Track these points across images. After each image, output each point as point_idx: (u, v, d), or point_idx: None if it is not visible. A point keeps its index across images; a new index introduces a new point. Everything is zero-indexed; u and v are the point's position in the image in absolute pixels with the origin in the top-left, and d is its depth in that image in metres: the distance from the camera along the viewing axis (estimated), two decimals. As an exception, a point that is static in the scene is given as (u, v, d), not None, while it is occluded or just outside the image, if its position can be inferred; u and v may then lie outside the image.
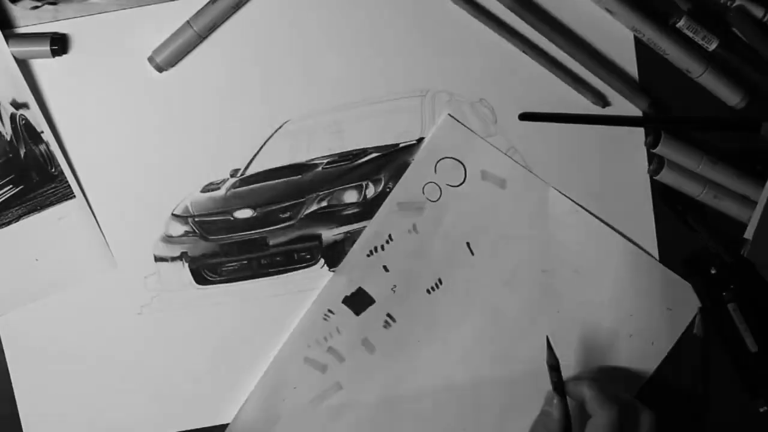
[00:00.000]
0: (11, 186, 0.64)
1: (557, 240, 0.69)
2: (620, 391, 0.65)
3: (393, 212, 0.68)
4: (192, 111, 0.66)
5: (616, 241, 0.69)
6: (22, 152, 0.63)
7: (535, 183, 0.68)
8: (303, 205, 0.67)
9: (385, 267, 0.68)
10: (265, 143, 0.67)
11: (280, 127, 0.67)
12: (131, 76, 0.65)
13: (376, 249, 0.68)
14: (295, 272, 0.68)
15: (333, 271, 0.68)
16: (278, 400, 0.68)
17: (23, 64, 0.63)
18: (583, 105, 0.67)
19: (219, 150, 0.67)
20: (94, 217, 0.66)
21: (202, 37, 0.64)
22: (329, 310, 0.68)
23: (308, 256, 0.68)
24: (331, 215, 0.68)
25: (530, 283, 0.69)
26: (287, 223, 0.67)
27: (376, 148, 0.67)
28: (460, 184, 0.68)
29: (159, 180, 0.67)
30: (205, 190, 0.67)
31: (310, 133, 0.67)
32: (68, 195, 0.64)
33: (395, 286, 0.68)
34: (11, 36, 0.62)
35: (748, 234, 0.65)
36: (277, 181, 0.67)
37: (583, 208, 0.68)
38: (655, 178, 0.67)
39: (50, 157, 0.64)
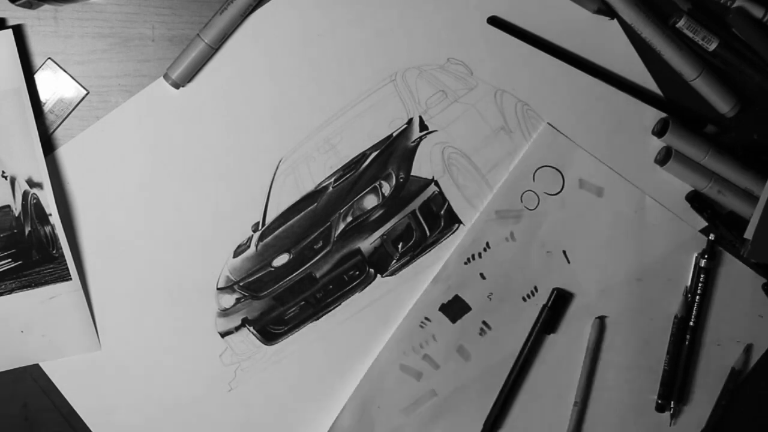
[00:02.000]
0: (10, 260, 0.64)
1: (652, 248, 0.70)
2: None
3: (491, 220, 0.68)
4: (195, 184, 0.66)
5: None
6: (27, 230, 0.63)
7: (631, 191, 0.69)
8: (331, 229, 0.68)
9: (481, 275, 0.69)
10: (270, 188, 0.67)
11: (277, 169, 0.66)
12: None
13: (473, 257, 0.68)
14: (352, 292, 0.69)
15: (386, 277, 0.69)
16: (373, 407, 0.69)
17: (48, 143, 0.63)
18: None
19: (233, 212, 0.67)
20: (89, 300, 0.66)
21: (214, 48, 0.64)
22: (426, 318, 0.69)
23: (357, 273, 0.68)
24: (361, 226, 0.68)
25: (625, 291, 0.70)
26: (324, 251, 0.68)
27: (372, 147, 0.67)
28: (558, 192, 0.68)
29: (192, 258, 0.67)
30: (236, 254, 0.67)
31: (307, 160, 0.67)
32: (65, 277, 0.64)
33: (491, 293, 0.69)
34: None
35: (748, 234, 0.66)
36: (297, 217, 0.67)
37: (679, 217, 0.69)
38: (662, 168, 0.68)
39: (53, 239, 0.64)
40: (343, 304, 0.69)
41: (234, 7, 0.63)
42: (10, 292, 0.64)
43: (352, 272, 0.68)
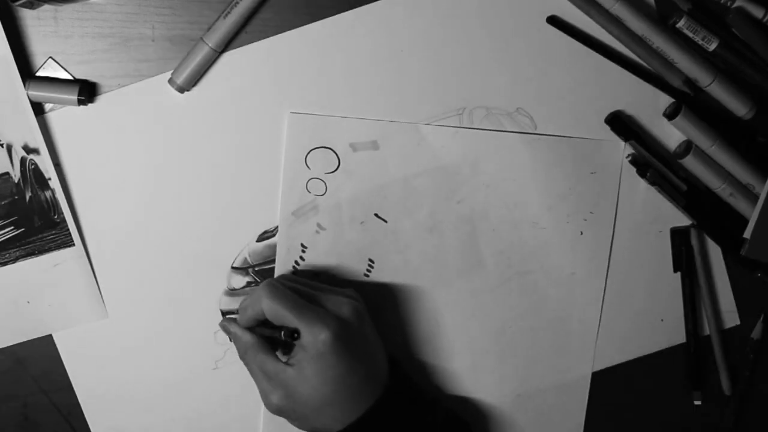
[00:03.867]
0: (12, 227, 0.64)
1: (453, 167, 0.68)
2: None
3: (292, 223, 0.67)
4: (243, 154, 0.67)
5: (508, 140, 0.68)
6: (27, 196, 0.63)
7: (405, 128, 0.67)
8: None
9: (315, 274, 0.68)
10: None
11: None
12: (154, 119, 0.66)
13: (297, 262, 0.68)
14: None
15: None
16: None
17: (39, 107, 0.63)
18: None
19: (267, 198, 0.67)
20: (91, 266, 0.66)
21: (218, 52, 0.64)
22: None
23: None
24: None
25: (454, 219, 0.69)
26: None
27: None
28: (337, 167, 0.67)
29: (215, 234, 0.67)
30: (261, 239, 0.67)
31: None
32: (68, 243, 0.65)
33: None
34: (35, 79, 0.62)
35: (747, 233, 0.66)
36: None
37: (460, 127, 0.67)
38: (679, 161, 0.68)
39: (54, 204, 0.64)
40: None
41: (238, 10, 0.63)
42: (15, 260, 0.64)
43: None
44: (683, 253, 0.70)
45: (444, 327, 0.70)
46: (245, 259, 0.67)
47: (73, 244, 0.65)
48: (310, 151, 0.66)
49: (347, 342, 0.60)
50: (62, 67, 0.64)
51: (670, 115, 0.67)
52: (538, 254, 0.70)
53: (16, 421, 0.68)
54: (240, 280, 0.68)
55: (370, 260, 0.68)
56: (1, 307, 0.65)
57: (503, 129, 0.67)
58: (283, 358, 0.62)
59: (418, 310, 0.70)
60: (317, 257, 0.68)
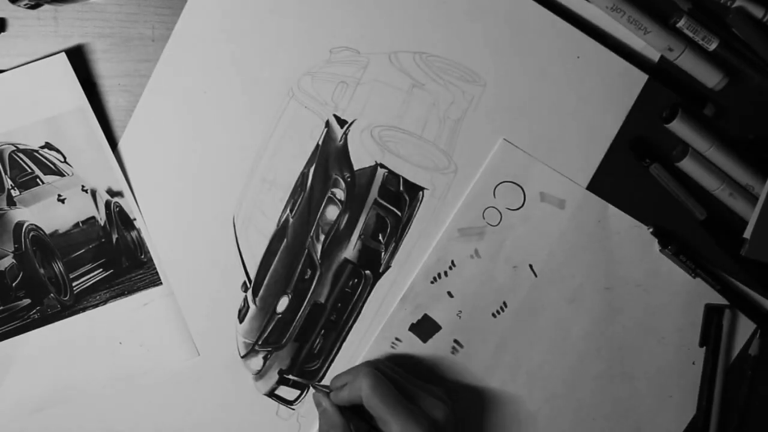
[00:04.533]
0: (101, 270, 0.65)
1: (618, 257, 0.69)
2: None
3: (454, 238, 0.68)
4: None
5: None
6: (114, 238, 0.64)
7: (593, 201, 0.68)
8: (311, 254, 0.67)
9: (449, 293, 0.69)
10: (239, 247, 0.66)
11: (235, 227, 0.66)
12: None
13: (439, 275, 0.68)
14: (360, 299, 0.69)
15: (382, 273, 0.68)
16: None
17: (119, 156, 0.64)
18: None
19: (218, 282, 0.67)
20: (179, 305, 0.66)
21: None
22: (396, 338, 0.69)
23: (355, 281, 0.68)
24: (336, 238, 0.67)
25: (595, 301, 0.70)
26: (316, 277, 0.68)
27: (307, 164, 0.66)
28: (520, 207, 0.68)
29: (204, 339, 0.67)
30: (241, 318, 0.67)
31: (257, 205, 0.66)
32: (155, 282, 0.65)
33: (461, 311, 0.69)
34: None
35: (747, 233, 0.66)
36: (276, 259, 0.67)
37: (644, 223, 0.69)
38: (676, 164, 0.68)
39: (141, 244, 0.65)
40: (362, 313, 0.69)
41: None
42: (105, 302, 0.65)
43: (350, 282, 0.68)
44: (712, 331, 0.71)
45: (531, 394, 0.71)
46: (245, 342, 0.68)
47: (161, 283, 0.65)
48: (503, 182, 0.67)
49: None
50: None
51: (667, 118, 0.67)
52: (647, 364, 0.71)
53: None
54: (257, 362, 0.68)
55: (504, 303, 0.69)
56: (96, 349, 0.65)
57: (338, 78, 0.66)
58: None
59: (521, 369, 0.70)
60: (460, 279, 0.68)
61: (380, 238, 0.68)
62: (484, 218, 0.68)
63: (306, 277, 0.67)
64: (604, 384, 0.71)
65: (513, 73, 0.67)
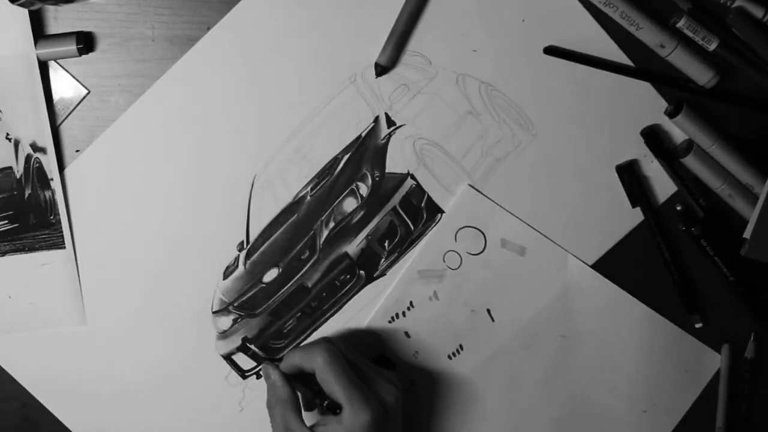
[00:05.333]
0: (6, 221, 0.64)
1: (576, 306, 0.69)
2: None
3: (414, 280, 0.68)
4: (173, 211, 0.67)
5: (634, 307, 0.70)
6: (27, 192, 0.64)
7: (554, 250, 0.69)
8: (315, 237, 0.67)
9: (406, 333, 0.69)
10: (249, 206, 0.67)
11: (252, 186, 0.66)
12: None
13: (397, 315, 0.69)
14: (346, 297, 0.69)
15: (376, 278, 0.68)
16: None
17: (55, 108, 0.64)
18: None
19: (216, 234, 0.67)
20: (77, 271, 0.66)
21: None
22: None
23: (348, 276, 0.68)
24: (345, 230, 0.68)
25: (550, 349, 0.70)
26: (312, 260, 0.68)
27: (343, 151, 0.67)
28: (480, 252, 0.68)
29: (184, 285, 0.67)
30: (226, 275, 0.67)
31: (280, 173, 0.66)
32: (59, 244, 0.65)
33: (417, 352, 0.69)
34: (38, 39, 0.62)
35: (747, 233, 0.66)
36: (280, 230, 0.67)
37: (601, 275, 0.69)
38: (680, 160, 0.67)
39: (53, 205, 0.64)
40: (343, 308, 0.69)
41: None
42: (3, 254, 0.65)
43: (342, 277, 0.68)
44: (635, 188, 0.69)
45: None
46: (221, 299, 0.68)
47: (64, 247, 0.65)
48: (466, 227, 0.67)
49: (381, 429, 0.60)
50: (62, 67, 0.64)
51: (672, 113, 0.67)
52: (599, 412, 0.71)
53: (16, 421, 0.68)
54: (225, 321, 0.68)
55: (461, 345, 0.69)
56: (-18, 297, 0.65)
57: (403, 80, 0.66)
58: (307, 418, 0.62)
59: (473, 412, 0.71)
60: (417, 320, 0.69)
61: (386, 244, 0.68)
62: (444, 261, 0.68)
63: (302, 257, 0.68)
64: (555, 431, 0.71)
65: (565, 134, 0.68)
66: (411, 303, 0.68)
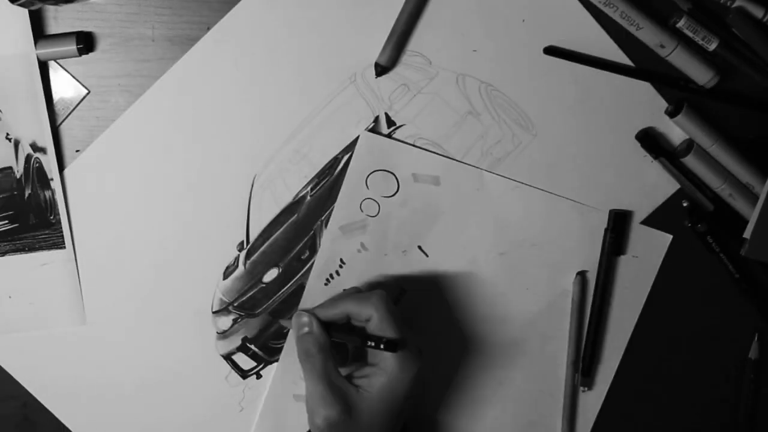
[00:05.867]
0: (7, 221, 0.64)
1: (505, 220, 0.68)
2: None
3: (337, 237, 0.67)
4: (173, 212, 0.66)
5: (562, 205, 0.68)
6: (27, 192, 0.64)
7: (468, 171, 0.67)
8: (315, 237, 0.67)
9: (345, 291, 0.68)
10: (249, 206, 0.67)
11: (252, 186, 0.66)
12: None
13: (331, 276, 0.68)
14: None
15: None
16: None
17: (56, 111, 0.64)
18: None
19: (216, 234, 0.67)
20: (77, 271, 0.66)
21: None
22: None
23: None
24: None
25: (493, 269, 0.69)
26: (312, 260, 0.68)
27: (344, 151, 0.67)
28: (395, 193, 0.67)
29: (184, 285, 0.67)
30: (226, 275, 0.67)
31: (281, 173, 0.66)
32: (59, 244, 0.65)
33: None
34: (38, 39, 0.62)
35: (747, 233, 0.66)
36: (280, 230, 0.67)
37: (521, 182, 0.68)
38: (680, 160, 0.68)
39: (52, 205, 0.64)
40: None
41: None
42: (3, 254, 0.65)
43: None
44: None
45: (453, 375, 0.70)
46: (221, 299, 0.68)
47: (64, 247, 0.65)
48: (373, 172, 0.67)
49: (416, 385, 0.60)
50: (62, 67, 0.64)
51: (672, 112, 0.67)
52: (562, 321, 0.70)
53: (16, 421, 0.68)
54: (225, 321, 0.68)
55: (402, 289, 0.69)
56: (-18, 297, 0.65)
57: (403, 79, 0.66)
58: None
59: (433, 349, 0.69)
60: (352, 275, 0.68)
61: None
62: (362, 211, 0.67)
63: (302, 257, 0.68)
64: (517, 349, 0.70)
65: (566, 134, 0.68)
66: (341, 260, 0.68)
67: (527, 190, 0.68)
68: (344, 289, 0.67)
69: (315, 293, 0.68)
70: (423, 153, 0.67)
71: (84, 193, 0.65)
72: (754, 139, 0.69)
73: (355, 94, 0.66)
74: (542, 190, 0.68)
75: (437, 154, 0.67)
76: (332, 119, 0.66)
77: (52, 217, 0.64)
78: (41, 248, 0.65)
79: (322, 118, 0.66)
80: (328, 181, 0.67)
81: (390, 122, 0.67)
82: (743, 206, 0.68)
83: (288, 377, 0.68)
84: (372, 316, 0.60)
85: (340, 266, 0.68)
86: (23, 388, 0.67)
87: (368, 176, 0.67)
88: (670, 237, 0.70)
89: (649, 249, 0.70)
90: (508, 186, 0.68)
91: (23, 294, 0.65)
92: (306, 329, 0.61)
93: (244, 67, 0.65)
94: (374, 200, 0.67)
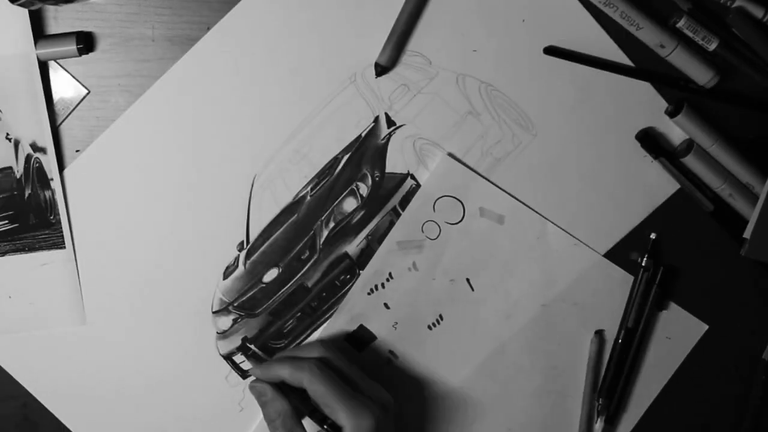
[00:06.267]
0: (7, 221, 0.64)
1: (556, 274, 0.69)
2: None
3: (392, 251, 0.68)
4: (173, 212, 0.66)
5: (614, 273, 0.70)
6: (27, 193, 0.64)
7: (533, 218, 0.68)
8: (315, 237, 0.67)
9: (386, 304, 0.69)
10: (249, 206, 0.67)
11: (252, 186, 0.66)
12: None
13: (376, 287, 0.68)
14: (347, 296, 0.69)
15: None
16: None
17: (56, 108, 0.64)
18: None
19: (216, 234, 0.67)
20: (77, 271, 0.66)
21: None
22: None
23: (348, 276, 0.68)
24: (345, 230, 0.68)
25: (531, 317, 0.70)
26: (312, 260, 0.68)
27: (343, 151, 0.67)
28: (459, 221, 0.68)
29: (184, 285, 0.67)
30: (226, 275, 0.67)
31: (280, 173, 0.66)
32: (59, 244, 0.65)
33: (396, 323, 0.69)
34: (38, 39, 0.62)
35: (747, 233, 0.66)
36: (280, 230, 0.67)
37: (582, 242, 0.69)
38: (680, 160, 0.68)
39: (52, 205, 0.64)
40: (342, 307, 0.68)
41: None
42: (3, 254, 0.65)
43: (342, 277, 0.68)
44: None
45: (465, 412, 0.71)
46: (221, 299, 0.68)
47: (64, 247, 0.65)
48: (444, 196, 0.67)
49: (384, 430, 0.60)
50: (62, 67, 0.64)
51: (672, 112, 0.67)
52: (580, 383, 0.71)
53: (16, 421, 0.68)
54: (225, 321, 0.68)
55: (440, 316, 0.69)
56: (-18, 297, 0.65)
57: (403, 80, 0.66)
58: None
59: (454, 383, 0.70)
60: (397, 291, 0.68)
61: None
62: (423, 232, 0.68)
63: (303, 257, 0.68)
64: (537, 402, 0.71)
65: (566, 134, 0.68)
66: (390, 274, 0.68)
67: (586, 250, 0.69)
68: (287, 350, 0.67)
69: (356, 300, 0.68)
70: (495, 190, 0.68)
71: (84, 193, 0.65)
72: (754, 139, 0.69)
73: (355, 94, 0.66)
74: (599, 253, 0.69)
75: (509, 194, 0.68)
76: (332, 119, 0.66)
77: (52, 217, 0.64)
78: (41, 248, 0.65)
79: (322, 117, 0.66)
80: (328, 181, 0.67)
81: (390, 122, 0.67)
82: (743, 206, 0.68)
83: None
84: (305, 386, 0.60)
85: (387, 280, 0.68)
86: (23, 388, 0.67)
87: (437, 200, 0.67)
88: (706, 327, 0.71)
89: (682, 333, 0.71)
90: (569, 242, 0.69)
91: (23, 294, 0.65)
92: (263, 398, 0.63)
93: (244, 66, 0.65)
94: (437, 223, 0.68)
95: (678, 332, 0.71)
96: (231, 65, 0.65)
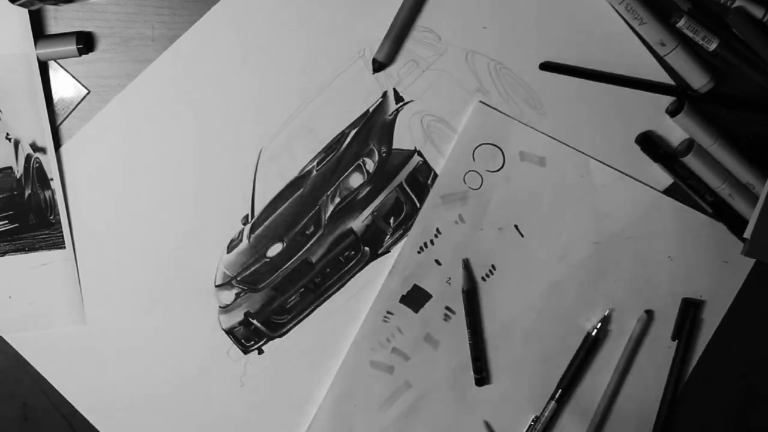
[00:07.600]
0: (7, 221, 0.64)
1: (605, 210, 0.68)
2: None
3: (437, 206, 0.67)
4: (179, 183, 0.66)
5: (664, 203, 0.68)
6: (27, 193, 0.64)
7: (574, 156, 0.67)
8: (320, 212, 0.67)
9: (437, 261, 0.68)
10: (255, 179, 0.66)
11: (258, 159, 0.66)
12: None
13: (425, 245, 0.68)
14: (350, 273, 0.68)
15: (380, 255, 0.68)
16: (350, 407, 0.69)
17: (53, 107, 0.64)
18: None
19: (221, 207, 0.67)
20: (77, 271, 0.66)
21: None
22: (388, 312, 0.68)
23: (353, 252, 0.68)
24: (350, 206, 0.67)
25: (585, 257, 0.69)
26: (317, 236, 0.68)
27: (351, 125, 0.67)
28: (500, 168, 0.67)
29: (187, 257, 0.67)
30: (230, 249, 0.67)
31: (287, 146, 0.66)
32: (59, 244, 0.65)
33: (450, 278, 0.69)
34: (38, 39, 0.63)
35: (747, 233, 0.66)
36: (285, 204, 0.67)
37: (627, 174, 0.68)
38: (681, 159, 0.67)
39: (52, 205, 0.64)
40: (346, 285, 0.68)
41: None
42: (3, 254, 0.65)
43: (347, 253, 0.68)
44: (686, 325, 0.70)
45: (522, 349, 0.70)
46: (224, 273, 0.68)
47: (64, 247, 0.65)
48: (481, 144, 0.67)
49: None
50: (62, 67, 0.64)
51: (673, 112, 0.67)
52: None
53: (16, 421, 0.68)
54: (228, 295, 0.68)
55: (493, 266, 0.69)
56: (-17, 297, 0.65)
57: (412, 55, 0.66)
58: None
59: (514, 331, 0.70)
60: (446, 246, 0.68)
61: (391, 221, 0.68)
62: (465, 183, 0.67)
63: (307, 232, 0.67)
64: (600, 338, 0.70)
65: (574, 115, 0.67)
66: (438, 230, 0.68)
67: (631, 182, 0.68)
68: None
69: (407, 261, 0.68)
70: (533, 132, 0.67)
71: (84, 192, 0.65)
72: (754, 139, 0.69)
73: (363, 68, 0.66)
74: (646, 185, 0.68)
75: (548, 135, 0.67)
76: (340, 94, 0.66)
77: (52, 217, 0.65)
78: (41, 248, 0.65)
79: (330, 92, 0.66)
80: (335, 156, 0.67)
81: (398, 98, 0.67)
82: (743, 206, 0.68)
83: (367, 343, 0.68)
84: None
85: (436, 236, 0.68)
86: (23, 388, 0.67)
87: (476, 148, 0.67)
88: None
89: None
90: (614, 176, 0.68)
91: (23, 294, 0.65)
92: None
93: (252, 41, 0.65)
94: (478, 173, 0.67)
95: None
96: (238, 39, 0.65)
